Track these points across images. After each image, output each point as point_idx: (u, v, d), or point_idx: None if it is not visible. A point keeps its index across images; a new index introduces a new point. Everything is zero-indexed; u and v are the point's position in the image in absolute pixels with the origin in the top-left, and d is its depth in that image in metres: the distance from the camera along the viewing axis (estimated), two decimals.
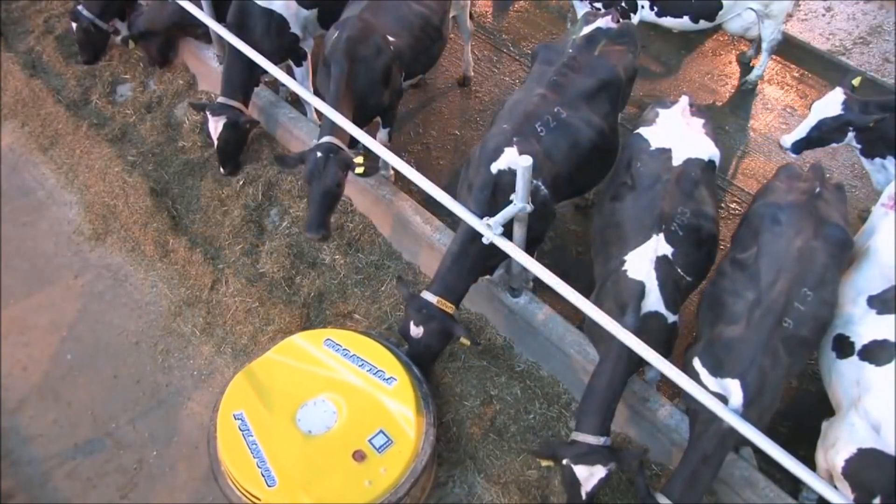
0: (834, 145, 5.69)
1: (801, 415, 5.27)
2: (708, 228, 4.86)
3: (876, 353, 4.20)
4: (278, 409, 4.55)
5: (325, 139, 5.39)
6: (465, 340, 4.83)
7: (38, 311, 6.01)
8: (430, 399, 4.76)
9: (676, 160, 5.03)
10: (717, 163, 5.27)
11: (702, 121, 5.42)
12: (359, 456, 4.35)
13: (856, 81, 5.56)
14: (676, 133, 5.21)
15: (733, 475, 4.52)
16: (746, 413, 4.00)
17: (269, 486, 4.24)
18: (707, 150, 5.18)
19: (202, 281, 6.06)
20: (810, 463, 4.09)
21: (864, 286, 4.53)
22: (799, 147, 5.64)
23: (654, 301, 4.53)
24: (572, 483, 4.32)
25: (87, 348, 5.78)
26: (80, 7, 7.48)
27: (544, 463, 4.69)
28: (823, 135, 5.53)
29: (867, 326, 4.33)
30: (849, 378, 4.29)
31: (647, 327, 4.44)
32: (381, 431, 4.47)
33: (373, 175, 5.55)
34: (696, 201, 4.90)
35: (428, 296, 4.83)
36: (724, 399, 4.07)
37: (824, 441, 4.33)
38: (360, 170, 5.36)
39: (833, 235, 4.55)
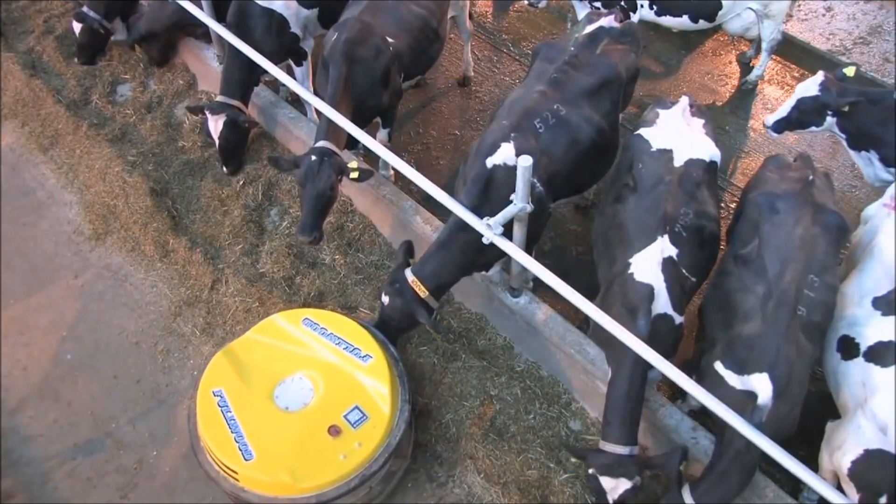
0: (814, 129, 5.69)
1: (802, 415, 5.24)
2: (710, 228, 4.87)
3: (881, 354, 4.20)
4: (256, 386, 4.61)
5: (320, 143, 5.39)
6: (429, 328, 4.91)
7: (38, 311, 6.01)
8: (405, 377, 4.83)
9: (678, 161, 5.03)
10: (718, 163, 5.27)
11: (702, 121, 5.42)
12: (334, 431, 4.41)
13: (849, 71, 5.57)
14: (677, 134, 5.21)
15: None
16: (777, 405, 4.01)
17: (246, 459, 4.31)
18: (708, 150, 5.18)
19: (202, 281, 6.05)
20: (811, 463, 4.08)
21: (868, 287, 4.52)
22: (780, 126, 5.70)
23: (663, 304, 4.52)
24: (599, 492, 4.35)
25: (87, 348, 5.78)
26: (84, 8, 7.47)
27: (573, 458, 4.81)
28: (802, 115, 5.58)
29: (872, 328, 4.33)
30: (854, 379, 4.28)
31: (656, 329, 4.44)
32: (356, 407, 4.53)
33: (367, 179, 5.55)
34: (699, 202, 4.90)
35: (407, 273, 4.88)
36: (752, 396, 4.06)
37: (829, 443, 4.33)
38: (354, 174, 5.37)
39: (831, 221, 4.64)
